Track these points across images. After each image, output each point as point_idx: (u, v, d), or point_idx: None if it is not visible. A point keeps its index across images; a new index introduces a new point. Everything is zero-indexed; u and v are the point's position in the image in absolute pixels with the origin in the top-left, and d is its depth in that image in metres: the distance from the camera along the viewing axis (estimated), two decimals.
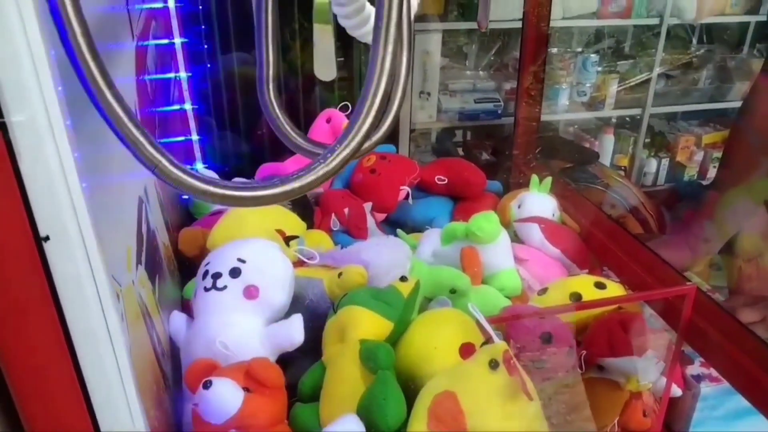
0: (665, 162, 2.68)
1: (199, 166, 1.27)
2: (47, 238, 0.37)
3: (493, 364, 0.54)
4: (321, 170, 0.45)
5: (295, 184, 0.45)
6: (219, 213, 1.00)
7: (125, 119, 0.37)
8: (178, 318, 0.77)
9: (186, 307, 0.86)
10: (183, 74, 1.19)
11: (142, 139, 0.39)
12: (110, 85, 0.37)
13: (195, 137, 1.25)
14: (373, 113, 0.46)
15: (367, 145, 0.53)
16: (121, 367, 0.42)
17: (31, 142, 0.35)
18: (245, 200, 0.45)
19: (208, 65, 1.45)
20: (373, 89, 0.45)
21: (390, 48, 0.44)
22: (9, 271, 0.37)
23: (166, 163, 0.40)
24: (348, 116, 1.17)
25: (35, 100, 0.35)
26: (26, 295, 0.37)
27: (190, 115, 1.23)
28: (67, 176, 0.36)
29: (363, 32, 0.66)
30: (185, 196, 1.11)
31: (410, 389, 0.65)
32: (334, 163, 0.46)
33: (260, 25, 0.61)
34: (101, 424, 0.43)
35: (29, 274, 0.37)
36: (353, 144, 0.46)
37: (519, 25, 1.24)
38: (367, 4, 0.66)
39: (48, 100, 0.35)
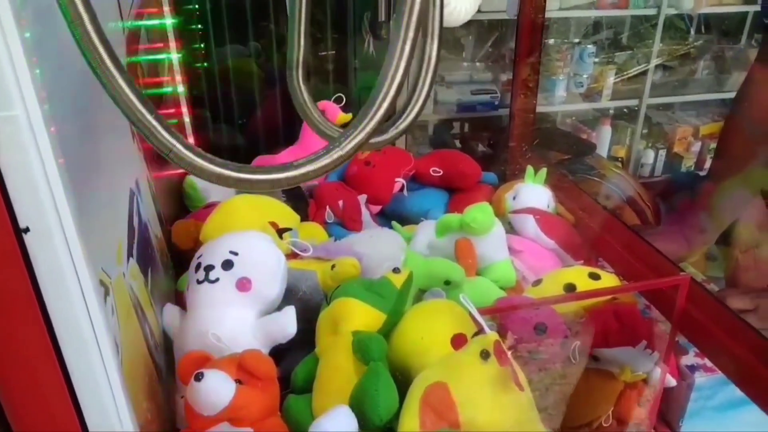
0: (662, 153, 2.67)
1: None
2: (27, 230, 0.36)
3: (485, 355, 0.54)
4: (336, 154, 0.45)
5: (310, 168, 0.45)
6: (213, 205, 0.99)
7: (138, 104, 0.37)
8: (171, 310, 0.77)
9: (180, 300, 0.85)
10: (174, 55, 1.17)
11: (156, 123, 0.38)
12: (121, 70, 0.36)
13: (187, 119, 1.24)
14: (389, 99, 0.45)
15: (393, 133, 0.54)
16: (106, 359, 0.42)
17: (9, 133, 0.35)
18: (260, 183, 0.44)
19: (202, 57, 1.45)
20: (390, 75, 0.44)
21: (411, 33, 0.44)
22: None
23: (181, 147, 0.40)
24: (342, 108, 1.16)
25: (12, 89, 0.35)
26: (8, 288, 0.37)
27: (183, 99, 1.22)
28: (46, 167, 0.36)
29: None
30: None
31: (402, 380, 0.65)
32: (348, 147, 0.45)
33: (293, 10, 0.61)
34: (87, 420, 0.42)
35: (10, 267, 0.37)
36: (368, 129, 0.45)
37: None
38: None
39: (25, 89, 0.35)
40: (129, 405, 0.47)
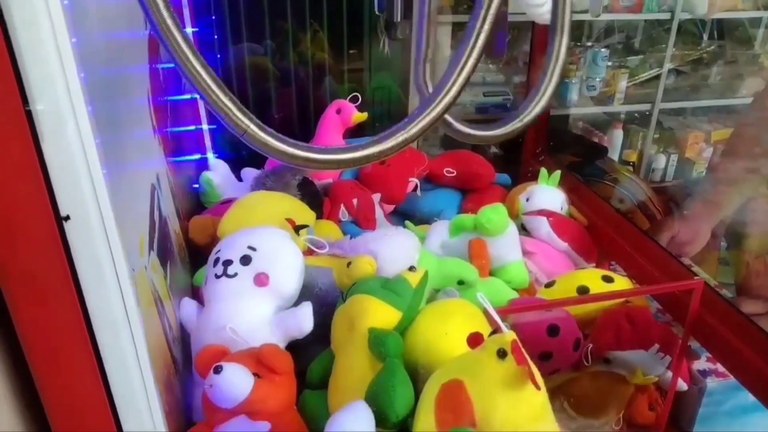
0: (674, 158, 2.66)
1: (210, 155, 1.28)
2: (68, 218, 0.37)
3: (501, 354, 0.55)
4: (401, 137, 0.46)
5: (375, 149, 0.46)
6: (229, 202, 1.00)
7: (214, 86, 0.39)
8: (188, 304, 0.78)
9: (196, 294, 0.86)
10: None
11: (230, 105, 0.40)
12: (197, 56, 0.38)
13: (206, 126, 1.25)
14: (456, 88, 0.46)
15: (519, 125, 0.55)
16: (138, 346, 0.43)
17: (54, 127, 0.36)
18: (328, 163, 0.46)
19: (218, 55, 1.45)
20: (461, 65, 0.45)
21: (486, 27, 0.44)
22: (30, 250, 0.37)
23: (255, 128, 0.41)
24: (358, 107, 1.17)
25: (60, 87, 0.36)
26: (47, 275, 0.38)
27: (201, 104, 1.23)
28: (88, 158, 0.37)
29: (543, 11, 0.65)
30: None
31: (417, 378, 0.65)
32: (414, 131, 0.46)
33: (422, 10, 0.61)
34: (118, 405, 0.43)
35: (50, 254, 0.38)
36: (432, 115, 0.46)
37: (526, 18, 1.24)
38: None
39: (72, 88, 0.36)
40: (158, 392, 0.48)
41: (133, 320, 0.42)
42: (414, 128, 0.45)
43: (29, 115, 0.36)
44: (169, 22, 0.35)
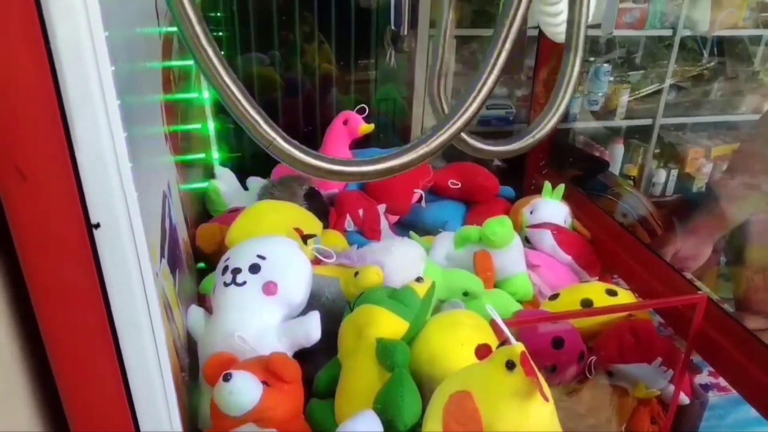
0: (674, 173, 2.68)
1: (216, 163, 1.29)
2: (98, 225, 0.38)
3: (510, 365, 0.55)
4: (421, 150, 0.47)
5: (396, 162, 0.47)
6: (236, 210, 1.01)
7: (241, 98, 0.39)
8: (196, 312, 0.78)
9: (202, 302, 0.87)
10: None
11: (257, 117, 0.40)
12: (226, 68, 0.39)
13: (211, 125, 1.26)
14: (477, 103, 0.47)
15: (530, 141, 0.55)
16: (160, 351, 0.43)
17: (90, 133, 0.37)
18: (350, 175, 0.47)
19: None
20: (482, 82, 0.46)
21: (507, 45, 0.45)
22: (61, 257, 0.38)
23: (280, 140, 0.42)
24: (365, 119, 1.18)
25: (96, 94, 0.36)
26: (76, 282, 0.39)
27: (208, 109, 1.25)
28: (120, 166, 0.38)
29: (558, 30, 0.66)
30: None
31: (425, 388, 0.66)
32: (433, 145, 0.47)
33: (441, 24, 0.62)
34: (139, 414, 0.44)
35: (79, 261, 0.38)
36: (453, 129, 0.47)
37: (531, 33, 1.25)
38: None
39: (107, 94, 0.37)
40: (178, 399, 0.48)
41: (156, 326, 0.42)
42: (434, 142, 0.46)
43: (64, 118, 0.36)
44: (200, 32, 0.36)
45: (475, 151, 0.59)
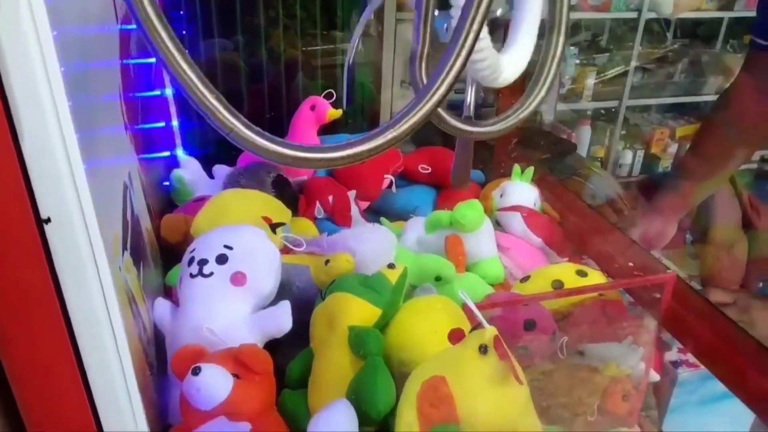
0: (640, 154, 2.73)
1: (180, 152, 1.25)
2: (48, 220, 0.36)
3: (483, 349, 0.55)
4: (390, 134, 0.45)
5: (363, 147, 0.45)
6: (201, 200, 0.99)
7: (200, 85, 0.37)
8: (162, 304, 0.76)
9: (169, 294, 0.85)
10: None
11: (216, 104, 0.39)
12: (182, 52, 0.37)
13: (175, 123, 1.23)
14: (445, 85, 0.45)
15: (514, 121, 0.54)
16: (120, 348, 0.41)
17: (37, 126, 0.35)
18: (316, 161, 0.45)
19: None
20: (450, 63, 0.44)
21: (475, 26, 0.44)
22: (10, 254, 0.36)
23: (242, 127, 0.40)
24: (333, 104, 1.16)
25: (42, 86, 0.34)
26: (27, 279, 0.37)
27: (171, 101, 1.21)
28: (70, 158, 0.36)
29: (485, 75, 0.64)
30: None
31: (398, 375, 0.65)
32: (402, 129, 0.45)
33: (420, 7, 0.60)
34: (101, 413, 0.42)
35: (30, 258, 0.36)
36: (423, 112, 0.45)
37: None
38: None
39: (54, 86, 0.35)
40: (141, 396, 0.46)
41: (115, 322, 0.41)
42: (403, 126, 0.45)
43: (8, 114, 0.34)
44: (153, 16, 0.34)
45: (456, 131, 0.58)
